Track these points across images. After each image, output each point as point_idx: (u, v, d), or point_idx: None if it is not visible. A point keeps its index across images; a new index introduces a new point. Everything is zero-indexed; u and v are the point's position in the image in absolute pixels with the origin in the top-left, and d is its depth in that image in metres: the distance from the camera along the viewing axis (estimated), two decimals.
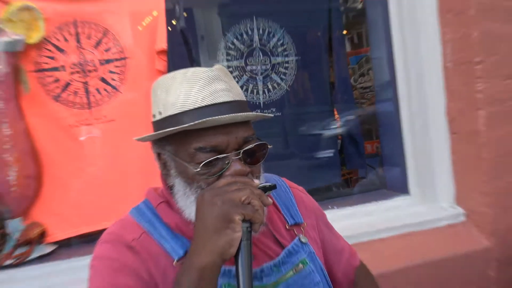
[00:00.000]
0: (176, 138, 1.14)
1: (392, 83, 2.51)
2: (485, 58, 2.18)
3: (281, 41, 2.42)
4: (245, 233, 1.03)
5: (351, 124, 2.63)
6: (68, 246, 2.15)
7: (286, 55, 2.44)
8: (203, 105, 1.11)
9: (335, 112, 2.60)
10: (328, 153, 2.61)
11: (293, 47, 2.44)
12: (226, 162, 1.11)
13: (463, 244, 2.27)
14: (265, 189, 1.11)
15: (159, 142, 1.20)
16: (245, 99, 1.21)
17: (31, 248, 2.01)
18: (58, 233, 2.11)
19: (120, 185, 2.16)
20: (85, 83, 2.11)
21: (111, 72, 2.14)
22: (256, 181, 1.11)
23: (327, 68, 2.54)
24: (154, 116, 1.20)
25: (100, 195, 2.16)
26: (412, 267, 2.14)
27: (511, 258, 2.29)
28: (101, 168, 2.16)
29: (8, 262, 1.95)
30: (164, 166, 1.22)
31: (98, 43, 2.12)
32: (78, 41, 2.10)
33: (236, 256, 1.03)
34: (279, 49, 2.42)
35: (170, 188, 1.24)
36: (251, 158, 1.15)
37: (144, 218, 1.23)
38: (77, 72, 2.10)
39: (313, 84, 2.53)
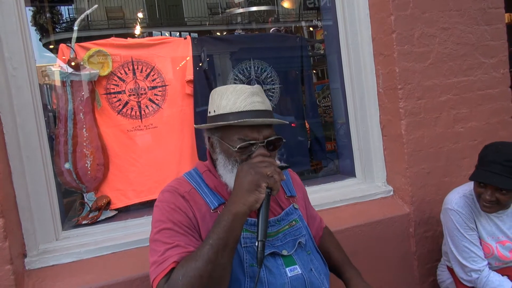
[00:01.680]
0: (223, 129, 1.21)
1: (343, 103, 2.48)
2: (404, 86, 2.16)
3: (269, 75, 2.44)
4: (266, 196, 1.10)
5: (317, 130, 2.62)
6: (125, 212, 2.17)
7: (273, 84, 2.45)
8: (245, 110, 1.19)
9: (306, 123, 2.60)
10: (302, 150, 2.59)
11: (278, 78, 2.46)
12: (254, 147, 1.18)
13: (392, 211, 2.25)
14: (281, 168, 1.17)
15: (210, 130, 1.27)
16: (272, 110, 1.27)
17: (100, 213, 2.05)
18: (118, 203, 2.15)
19: (160, 170, 2.21)
20: (138, 102, 2.16)
21: (155, 94, 2.19)
22: (277, 162, 1.20)
23: (300, 93, 2.54)
24: (209, 112, 1.27)
25: (147, 177, 2.19)
26: (358, 226, 2.13)
27: (423, 220, 2.24)
28: (147, 159, 2.20)
29: (85, 222, 2.00)
30: (211, 145, 1.29)
31: (147, 75, 2.17)
32: (134, 74, 2.15)
33: (258, 209, 1.11)
34: (268, 80, 2.43)
35: (213, 161, 1.29)
36: (271, 146, 1.21)
37: (193, 179, 1.30)
38: (133, 95, 2.15)
39: (291, 104, 2.54)
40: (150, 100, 2.19)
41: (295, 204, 1.40)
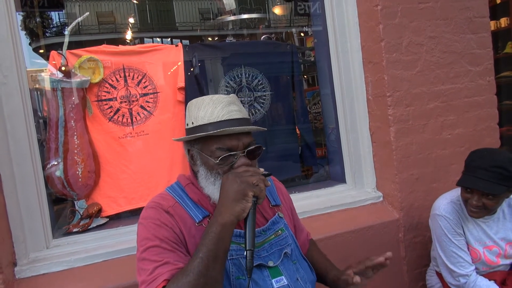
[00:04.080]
0: (202, 140, 1.21)
1: (334, 110, 2.48)
2: (393, 93, 2.19)
3: (260, 82, 2.45)
4: (253, 204, 1.10)
5: (307, 137, 2.63)
6: (117, 219, 2.16)
7: (264, 91, 2.46)
8: (223, 119, 1.19)
9: (297, 129, 2.61)
10: (292, 156, 2.60)
11: (269, 85, 2.47)
12: (235, 157, 1.18)
13: (382, 217, 2.27)
14: (265, 175, 1.17)
15: (190, 142, 1.26)
16: (249, 118, 1.28)
17: (91, 220, 2.03)
18: (109, 210, 2.14)
19: (151, 177, 2.20)
20: (130, 109, 2.16)
21: (147, 101, 2.19)
22: (261, 169, 1.19)
23: (291, 100, 2.56)
24: (187, 124, 1.26)
25: (138, 184, 2.18)
26: (348, 231, 2.15)
27: (412, 225, 2.27)
28: (139, 166, 2.18)
29: (75, 229, 1.98)
30: (192, 158, 1.27)
31: (139, 82, 2.17)
32: (125, 81, 2.15)
33: (245, 219, 1.10)
34: (259, 87, 2.45)
35: (194, 174, 1.28)
36: (252, 155, 1.22)
37: (176, 193, 1.28)
38: (125, 102, 2.15)
39: (282, 110, 2.55)
40: (142, 107, 2.19)
41: (280, 213, 1.39)
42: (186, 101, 2.23)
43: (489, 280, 1.83)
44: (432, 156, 2.30)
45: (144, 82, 2.19)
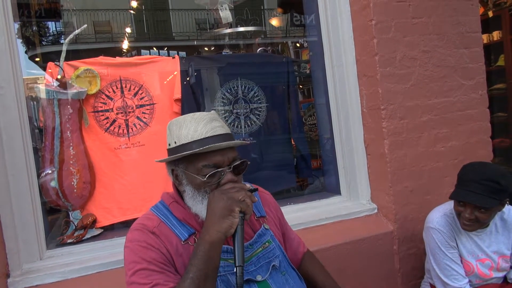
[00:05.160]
0: (187, 159, 1.19)
1: (329, 121, 2.52)
2: (387, 106, 2.22)
3: (256, 94, 2.47)
4: (240, 220, 1.09)
5: (303, 148, 2.65)
6: (111, 230, 2.15)
7: (260, 103, 2.48)
8: (207, 136, 1.18)
9: (292, 141, 2.62)
10: (287, 167, 2.60)
11: (264, 97, 2.49)
12: (222, 173, 1.17)
13: (376, 228, 2.28)
14: (251, 191, 1.17)
15: (173, 162, 1.24)
16: (231, 133, 1.27)
17: (85, 231, 2.02)
18: (104, 221, 2.13)
19: (147, 188, 2.20)
20: (126, 120, 2.17)
21: (143, 113, 2.21)
22: (248, 185, 1.19)
23: (286, 111, 2.58)
24: (169, 144, 1.25)
25: (133, 195, 2.18)
26: (343, 243, 2.15)
27: (407, 237, 2.28)
28: (134, 177, 2.19)
29: (70, 240, 1.97)
30: (176, 178, 1.25)
31: (135, 94, 2.19)
32: (122, 92, 2.17)
33: (233, 235, 1.09)
34: (255, 99, 2.46)
35: (179, 192, 1.27)
36: (238, 170, 1.21)
37: (160, 212, 1.26)
38: (121, 113, 2.16)
39: (278, 121, 2.56)
40: (138, 118, 2.20)
41: (265, 225, 1.38)
42: (182, 113, 2.25)
43: None
44: (426, 169, 2.33)
45: (141, 94, 2.21)
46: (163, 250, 1.17)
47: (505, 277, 1.96)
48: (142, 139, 2.21)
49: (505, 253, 1.89)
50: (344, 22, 2.35)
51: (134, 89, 2.20)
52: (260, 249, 1.31)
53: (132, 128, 2.19)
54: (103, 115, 2.14)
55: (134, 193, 2.18)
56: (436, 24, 2.34)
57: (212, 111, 1.29)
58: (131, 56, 2.57)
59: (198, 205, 1.20)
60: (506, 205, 1.81)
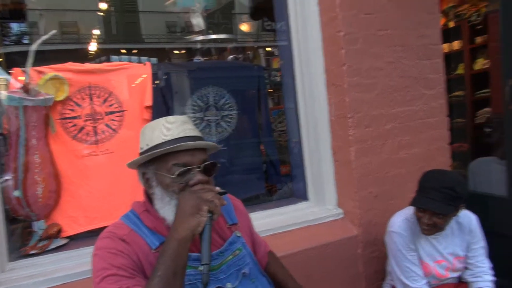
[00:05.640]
0: (158, 159, 1.21)
1: (298, 128, 2.57)
2: (354, 114, 2.30)
3: (227, 101, 2.50)
4: (208, 219, 1.12)
5: (272, 154, 2.71)
6: (77, 240, 2.11)
7: (231, 110, 2.51)
8: (179, 137, 1.21)
9: (262, 147, 2.68)
10: (257, 173, 2.64)
11: (235, 105, 2.52)
12: (192, 173, 1.20)
13: (342, 233, 2.34)
14: (220, 194, 1.19)
15: (144, 165, 1.26)
16: (203, 137, 1.31)
17: (50, 241, 1.96)
18: (70, 230, 2.09)
19: (115, 196, 2.17)
20: (94, 127, 2.14)
21: (112, 120, 2.19)
22: (217, 188, 1.22)
23: (257, 119, 2.63)
24: (141, 148, 1.27)
25: (100, 203, 2.14)
26: (310, 248, 2.21)
27: (370, 241, 2.36)
28: (102, 185, 2.16)
29: (33, 251, 1.92)
30: (146, 181, 1.27)
31: (105, 101, 2.17)
32: (91, 99, 2.14)
33: (201, 234, 1.11)
34: (226, 106, 2.49)
35: (149, 200, 1.28)
36: (208, 171, 1.24)
37: (131, 221, 1.26)
38: (89, 120, 2.13)
39: (248, 128, 2.60)
40: (107, 125, 2.18)
41: (237, 232, 1.40)
42: (153, 119, 2.24)
43: None
44: (389, 175, 2.43)
45: (110, 100, 2.19)
46: (133, 257, 1.17)
47: (459, 277, 2.08)
48: (111, 147, 2.19)
49: (460, 254, 2.01)
50: (314, 32, 2.42)
51: (103, 96, 2.17)
52: (231, 256, 1.33)
53: (100, 135, 2.17)
54: (70, 122, 2.11)
55: (101, 201, 2.15)
56: (400, 36, 2.45)
57: (185, 115, 1.34)
58: (100, 61, 2.53)
59: (165, 207, 1.21)
60: (462, 210, 1.93)
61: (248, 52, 3.03)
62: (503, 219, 2.56)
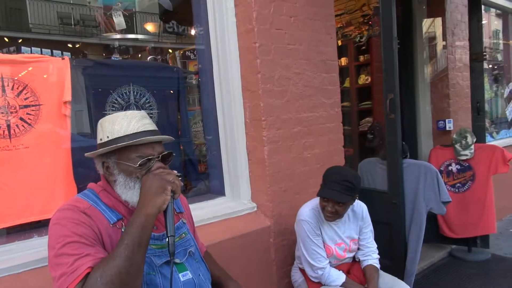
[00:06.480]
0: (119, 151, 1.35)
1: (215, 129, 2.76)
2: (267, 117, 2.56)
3: (148, 100, 2.56)
4: (171, 198, 1.29)
5: (190, 153, 2.83)
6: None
7: (151, 109, 2.57)
8: (139, 131, 1.36)
9: (181, 146, 2.79)
10: (176, 170, 2.77)
11: (156, 104, 2.59)
12: (152, 162, 1.36)
13: (256, 225, 2.58)
14: (178, 176, 1.36)
15: (104, 155, 1.38)
16: (158, 130, 1.46)
17: None
18: None
19: (30, 193, 2.10)
20: (7, 120, 2.04)
21: (28, 114, 2.10)
22: (175, 171, 1.38)
23: (176, 118, 2.73)
24: (101, 139, 1.39)
25: (15, 201, 2.05)
26: (228, 239, 2.41)
27: (281, 231, 2.65)
28: (17, 182, 2.07)
29: None
30: (107, 169, 1.39)
31: (19, 93, 2.08)
32: (3, 91, 2.04)
33: (165, 211, 1.28)
34: (147, 105, 2.55)
35: (108, 183, 1.41)
36: (165, 160, 1.41)
37: (89, 198, 1.38)
38: (2, 113, 2.03)
39: (167, 127, 2.67)
40: (22, 119, 2.09)
41: (183, 220, 1.61)
42: (71, 115, 2.23)
43: (339, 270, 2.34)
44: (296, 172, 2.78)
45: (26, 94, 2.10)
46: (94, 229, 1.28)
47: (353, 257, 2.51)
48: (26, 142, 2.10)
49: (354, 237, 2.44)
50: (231, 42, 2.65)
51: (17, 88, 2.08)
52: (178, 238, 1.51)
53: (14, 130, 2.07)
54: None
55: (16, 198, 2.06)
56: (305, 51, 2.84)
57: (142, 111, 1.48)
58: (9, 52, 2.39)
59: (129, 192, 1.35)
60: (356, 200, 2.35)
61: (166, 54, 3.11)
62: (384, 210, 3.09)
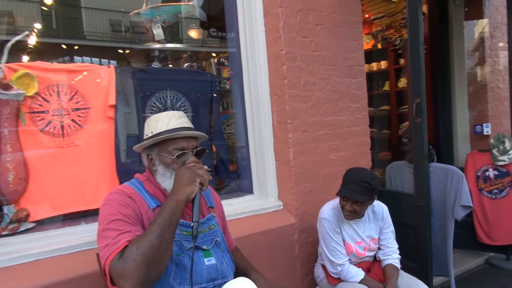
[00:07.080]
0: (161, 143, 1.58)
1: (245, 131, 2.93)
2: (292, 121, 2.68)
3: (183, 104, 2.77)
4: (199, 189, 1.47)
5: (222, 154, 2.99)
6: (43, 224, 2.28)
7: (186, 112, 2.75)
8: (177, 127, 1.59)
9: (213, 147, 2.95)
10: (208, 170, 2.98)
11: (190, 107, 2.79)
12: (187, 155, 1.57)
13: (281, 222, 2.71)
14: (208, 171, 1.55)
15: (149, 148, 1.62)
16: (194, 128, 1.67)
17: (19, 224, 2.15)
18: (36, 216, 2.25)
19: (78, 186, 2.38)
20: (61, 121, 2.34)
21: (78, 116, 2.39)
22: (205, 166, 1.57)
23: (209, 121, 2.90)
24: (146, 135, 1.62)
25: (66, 192, 2.34)
26: (255, 233, 2.56)
27: (305, 229, 2.77)
28: (67, 175, 2.35)
29: (4, 233, 2.09)
30: (150, 160, 1.63)
31: (71, 98, 2.37)
32: (58, 96, 2.33)
33: (193, 200, 1.47)
34: (182, 108, 2.75)
35: (152, 174, 1.63)
36: (199, 155, 1.61)
37: (134, 185, 1.62)
38: (56, 115, 2.32)
39: (201, 129, 2.65)
40: (73, 120, 2.39)
41: (213, 213, 1.81)
42: (115, 118, 2.51)
43: (358, 267, 2.46)
44: (321, 173, 2.91)
45: (76, 98, 2.40)
46: (137, 211, 1.51)
47: (374, 256, 2.61)
48: (76, 140, 2.40)
49: (374, 237, 2.55)
50: (260, 50, 2.83)
51: (70, 93, 2.37)
52: (207, 229, 1.71)
53: (66, 130, 2.37)
54: (39, 116, 2.29)
55: (66, 190, 2.34)
56: (331, 57, 2.96)
57: (181, 111, 1.72)
58: (64, 61, 2.73)
59: (167, 180, 1.57)
60: (375, 200, 2.46)
61: (201, 61, 3.36)
62: (410, 212, 3.13)
